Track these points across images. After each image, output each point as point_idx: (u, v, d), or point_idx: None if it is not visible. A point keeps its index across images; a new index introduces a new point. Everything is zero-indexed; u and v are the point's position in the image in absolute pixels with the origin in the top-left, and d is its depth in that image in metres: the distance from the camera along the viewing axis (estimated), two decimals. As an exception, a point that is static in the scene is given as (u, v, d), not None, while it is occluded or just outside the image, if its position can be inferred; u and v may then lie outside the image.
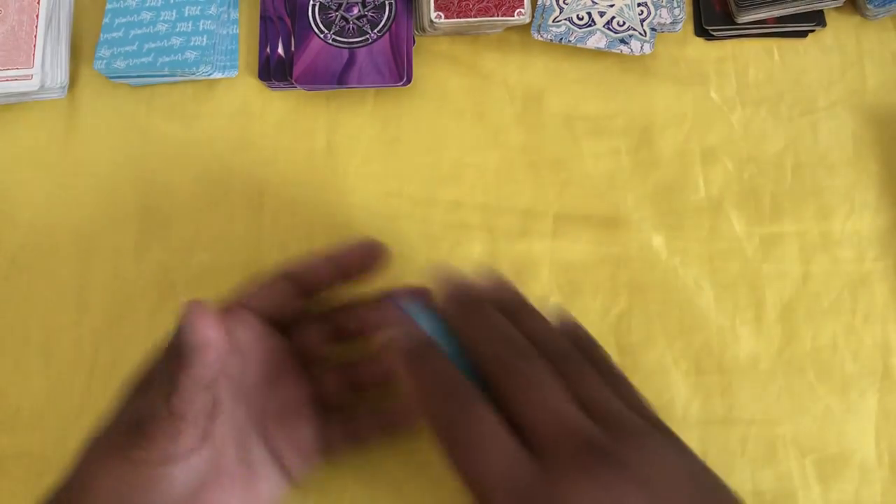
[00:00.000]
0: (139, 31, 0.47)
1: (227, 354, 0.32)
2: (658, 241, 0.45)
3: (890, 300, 0.43)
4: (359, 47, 0.47)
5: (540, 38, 0.46)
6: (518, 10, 0.46)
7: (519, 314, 0.32)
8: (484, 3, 0.46)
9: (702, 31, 0.48)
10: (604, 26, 0.46)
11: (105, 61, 0.47)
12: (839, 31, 0.48)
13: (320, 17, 0.47)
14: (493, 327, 0.30)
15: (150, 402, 0.31)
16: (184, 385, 0.30)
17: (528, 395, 0.28)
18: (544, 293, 0.44)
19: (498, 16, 0.46)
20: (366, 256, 0.39)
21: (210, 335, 0.31)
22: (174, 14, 0.48)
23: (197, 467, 0.32)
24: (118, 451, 0.31)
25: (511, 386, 0.28)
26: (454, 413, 0.28)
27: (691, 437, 0.42)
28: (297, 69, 0.46)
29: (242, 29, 0.50)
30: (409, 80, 0.46)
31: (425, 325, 0.31)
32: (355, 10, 0.47)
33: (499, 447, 0.27)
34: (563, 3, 0.47)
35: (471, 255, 0.45)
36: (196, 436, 0.31)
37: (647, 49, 0.46)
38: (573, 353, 0.31)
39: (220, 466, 0.33)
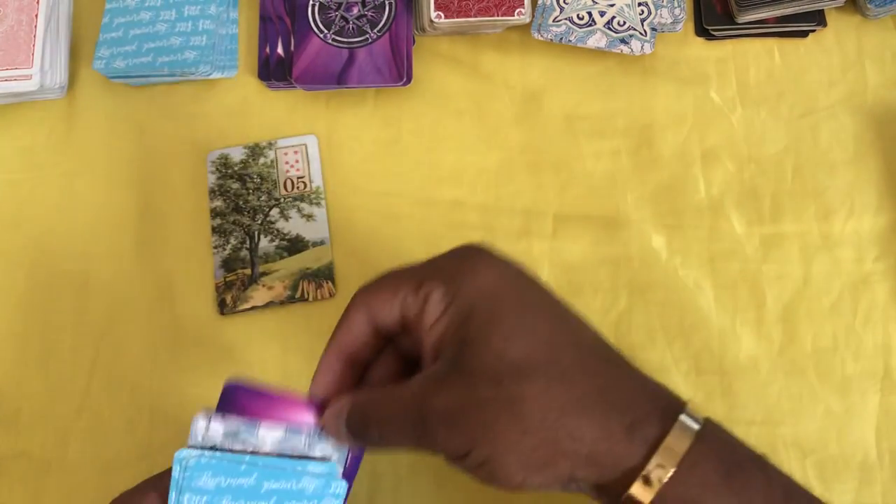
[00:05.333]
0: (138, 31, 0.47)
1: None
2: (658, 241, 0.45)
3: (890, 301, 0.43)
4: (358, 47, 0.47)
5: (540, 38, 0.46)
6: (518, 10, 0.46)
7: None
8: (484, 3, 0.46)
9: (702, 31, 0.48)
10: (604, 26, 0.46)
11: (104, 61, 0.47)
12: (840, 31, 0.48)
13: (320, 17, 0.47)
14: None
15: None
16: None
17: None
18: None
19: (498, 15, 0.46)
20: None
21: None
22: (173, 14, 0.48)
23: None
24: None
25: None
26: None
27: (691, 438, 0.41)
28: (297, 69, 0.46)
29: (242, 29, 0.49)
30: (408, 80, 0.46)
31: None
32: (355, 10, 0.47)
33: None
34: (564, 2, 0.47)
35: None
36: None
37: (647, 49, 0.46)
38: None
39: None
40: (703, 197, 0.45)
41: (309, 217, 0.45)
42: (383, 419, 0.30)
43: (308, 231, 0.45)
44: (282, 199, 0.46)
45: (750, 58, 0.48)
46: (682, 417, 0.28)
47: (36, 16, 0.47)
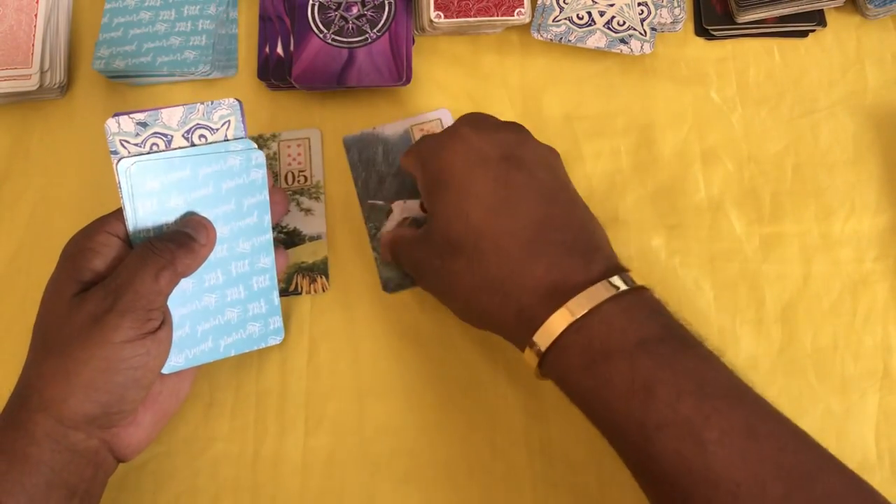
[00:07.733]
0: (138, 31, 0.47)
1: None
2: (658, 241, 0.45)
3: (890, 300, 0.43)
4: (358, 47, 0.47)
5: (540, 38, 0.46)
6: (518, 10, 0.46)
7: None
8: (484, 3, 0.46)
9: (702, 31, 0.48)
10: (604, 26, 0.46)
11: (104, 61, 0.47)
12: (839, 31, 0.48)
13: (319, 17, 0.47)
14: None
15: (123, 286, 0.34)
16: (181, 266, 0.35)
17: None
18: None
19: (498, 15, 0.46)
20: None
21: (213, 238, 0.38)
22: (173, 14, 0.48)
23: (161, 344, 0.35)
24: (91, 339, 0.33)
25: None
26: None
27: (691, 438, 0.41)
28: (297, 69, 0.46)
29: (241, 29, 0.49)
30: (408, 80, 0.46)
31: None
32: (354, 10, 0.47)
33: None
34: (563, 2, 0.47)
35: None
36: (160, 316, 0.35)
37: (647, 49, 0.46)
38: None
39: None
40: (702, 197, 0.45)
41: (308, 211, 0.45)
42: (394, 253, 0.42)
43: (305, 225, 0.45)
44: (282, 198, 0.46)
45: (750, 58, 0.48)
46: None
47: (35, 16, 0.47)
